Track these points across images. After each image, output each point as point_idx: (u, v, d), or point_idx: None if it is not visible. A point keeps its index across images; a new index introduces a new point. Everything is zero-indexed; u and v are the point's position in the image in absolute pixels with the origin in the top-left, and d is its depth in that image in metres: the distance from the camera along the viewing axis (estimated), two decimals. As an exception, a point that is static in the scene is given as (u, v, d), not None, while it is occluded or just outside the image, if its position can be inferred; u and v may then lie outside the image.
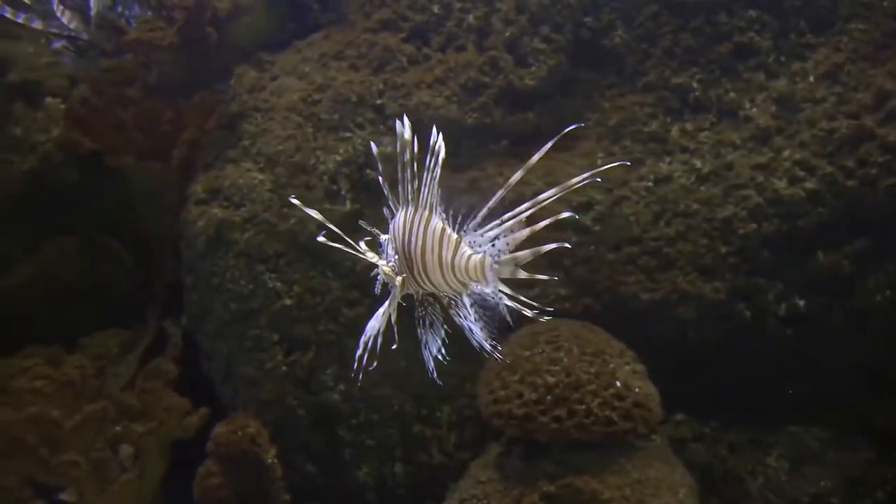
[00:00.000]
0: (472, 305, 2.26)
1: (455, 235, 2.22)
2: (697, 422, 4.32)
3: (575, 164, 4.45)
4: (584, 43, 4.64)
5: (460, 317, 2.26)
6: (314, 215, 2.30)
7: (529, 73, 4.56)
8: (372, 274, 2.36)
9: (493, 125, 4.53)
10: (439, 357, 2.37)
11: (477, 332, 2.24)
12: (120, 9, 4.21)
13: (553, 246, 2.14)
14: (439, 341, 2.36)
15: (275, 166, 4.50)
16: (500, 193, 2.16)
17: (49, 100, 5.07)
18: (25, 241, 5.03)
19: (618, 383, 3.77)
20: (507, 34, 4.59)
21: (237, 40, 5.02)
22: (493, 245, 2.19)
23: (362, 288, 4.33)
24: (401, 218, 2.28)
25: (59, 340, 4.66)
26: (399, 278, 2.29)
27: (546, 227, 2.15)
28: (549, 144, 2.15)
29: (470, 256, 2.20)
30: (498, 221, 2.19)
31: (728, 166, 4.27)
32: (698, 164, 4.32)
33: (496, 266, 2.17)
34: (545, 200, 2.15)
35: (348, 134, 4.50)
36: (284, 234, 4.40)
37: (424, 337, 2.37)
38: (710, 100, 4.44)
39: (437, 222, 2.25)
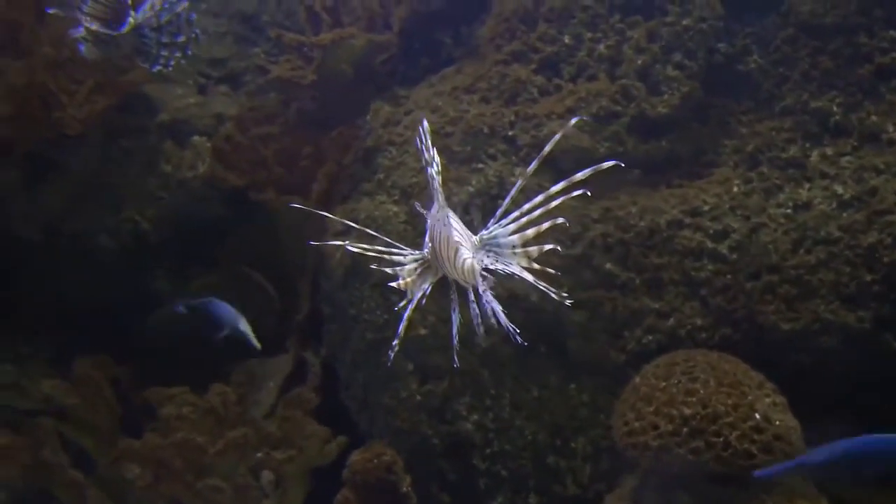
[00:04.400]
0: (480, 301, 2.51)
1: (456, 239, 2.51)
2: (843, 456, 4.16)
3: (710, 191, 4.38)
4: (717, 69, 4.58)
5: (487, 302, 2.51)
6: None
7: (662, 101, 4.53)
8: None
9: (625, 154, 4.51)
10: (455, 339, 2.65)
11: (501, 316, 2.49)
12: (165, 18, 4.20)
13: (550, 247, 2.45)
14: (457, 324, 2.65)
15: (409, 198, 4.58)
16: (515, 188, 2.43)
17: (196, 138, 5.29)
18: (175, 274, 5.24)
19: (757, 415, 3.68)
20: (639, 62, 4.56)
21: (372, 76, 5.15)
22: (510, 237, 2.50)
23: (496, 317, 4.34)
24: (433, 211, 2.56)
25: (204, 369, 4.83)
26: (402, 280, 2.58)
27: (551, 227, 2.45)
28: (558, 136, 2.55)
29: (465, 260, 2.47)
30: (518, 213, 2.48)
31: (871, 192, 4.14)
32: (839, 189, 4.19)
33: (515, 255, 2.49)
34: (555, 197, 2.45)
35: (480, 165, 4.54)
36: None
37: (453, 318, 2.66)
38: (852, 123, 4.31)
39: (450, 223, 2.51)
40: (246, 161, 5.09)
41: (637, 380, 3.97)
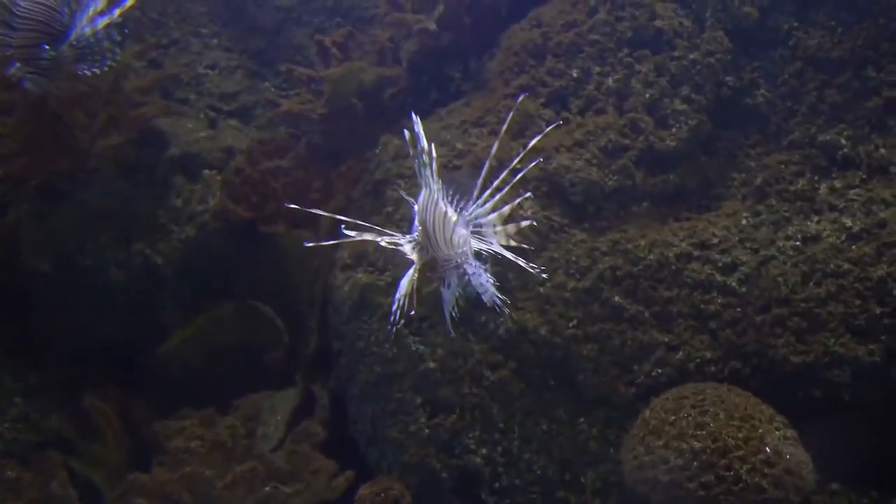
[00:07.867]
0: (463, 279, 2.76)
1: (455, 217, 2.74)
2: (855, 492, 4.13)
3: (719, 224, 4.39)
4: (725, 102, 4.60)
5: (475, 277, 2.74)
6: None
7: (670, 135, 4.54)
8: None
9: (634, 187, 4.52)
10: (452, 315, 2.85)
11: (488, 291, 2.71)
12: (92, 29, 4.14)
13: (527, 223, 2.78)
14: (452, 301, 2.83)
15: (418, 231, 4.59)
16: (483, 169, 2.78)
17: (206, 171, 5.32)
18: (184, 306, 5.25)
19: (767, 449, 3.66)
20: (647, 96, 4.58)
21: (382, 110, 5.17)
22: (489, 216, 2.78)
23: (505, 351, 4.34)
24: (422, 197, 2.79)
25: (212, 402, 4.83)
26: (413, 253, 2.79)
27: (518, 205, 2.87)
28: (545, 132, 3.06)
29: (462, 233, 2.73)
30: (488, 194, 2.78)
31: (880, 224, 4.14)
32: (848, 222, 4.19)
33: (496, 233, 2.77)
34: (518, 173, 2.86)
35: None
36: (427, 297, 4.46)
37: (445, 296, 2.84)
38: (860, 156, 4.32)
39: (442, 205, 2.75)
40: (256, 194, 5.11)
41: (646, 413, 3.96)
